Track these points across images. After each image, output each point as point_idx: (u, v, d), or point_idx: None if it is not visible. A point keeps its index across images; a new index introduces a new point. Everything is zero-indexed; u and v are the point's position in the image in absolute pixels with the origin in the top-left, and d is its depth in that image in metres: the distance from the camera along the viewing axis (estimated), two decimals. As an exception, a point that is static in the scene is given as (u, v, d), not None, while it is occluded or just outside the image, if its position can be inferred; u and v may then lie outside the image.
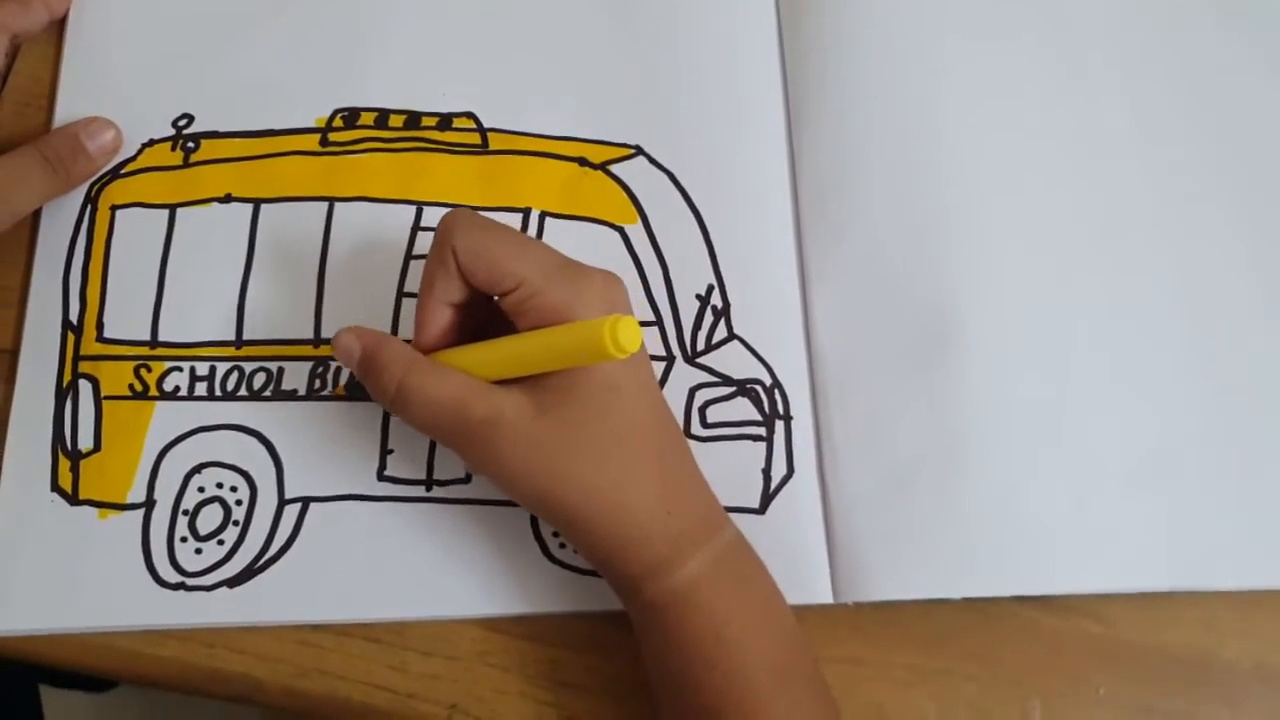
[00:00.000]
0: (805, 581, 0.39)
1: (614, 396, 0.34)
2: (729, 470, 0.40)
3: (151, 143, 0.45)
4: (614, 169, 0.44)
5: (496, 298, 0.35)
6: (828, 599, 0.39)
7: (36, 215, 0.44)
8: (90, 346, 0.42)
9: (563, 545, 0.39)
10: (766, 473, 0.40)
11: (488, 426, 0.34)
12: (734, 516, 0.39)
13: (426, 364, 0.35)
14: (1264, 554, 0.40)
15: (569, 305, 0.34)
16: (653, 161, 0.44)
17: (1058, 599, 0.40)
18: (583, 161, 0.44)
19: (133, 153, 0.45)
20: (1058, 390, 0.41)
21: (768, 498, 0.40)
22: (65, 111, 0.45)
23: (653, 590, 0.34)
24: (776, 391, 0.41)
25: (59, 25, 0.47)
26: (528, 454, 0.34)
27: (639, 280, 0.42)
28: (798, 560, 0.39)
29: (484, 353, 0.35)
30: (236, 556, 0.39)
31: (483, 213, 0.43)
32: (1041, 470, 0.40)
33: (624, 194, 0.44)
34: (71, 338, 0.42)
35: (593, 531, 0.34)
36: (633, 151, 0.44)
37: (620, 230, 0.43)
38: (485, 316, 0.37)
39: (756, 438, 0.41)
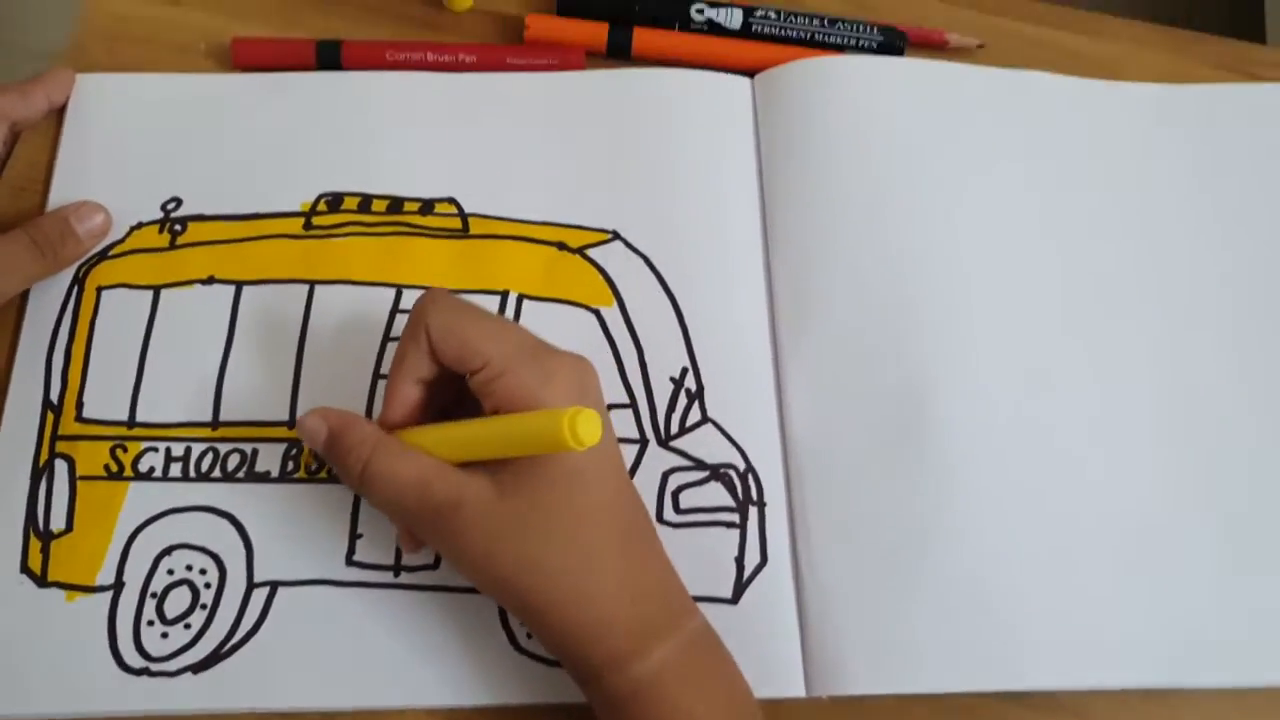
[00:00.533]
0: (778, 674, 0.38)
1: (578, 482, 0.34)
2: (701, 558, 0.40)
3: (140, 225, 0.45)
4: (591, 253, 0.44)
5: (466, 376, 0.35)
6: (800, 692, 0.38)
7: (24, 295, 0.44)
8: (69, 426, 0.42)
9: (530, 635, 0.39)
10: (740, 561, 0.40)
11: (449, 509, 0.33)
12: (706, 606, 0.39)
13: (392, 445, 0.35)
14: (1257, 650, 0.39)
15: (534, 390, 0.34)
16: (629, 246, 0.45)
17: (1039, 695, 0.39)
18: (561, 246, 0.45)
19: (121, 235, 0.45)
20: (1036, 477, 0.41)
21: (741, 587, 0.40)
22: (59, 195, 0.46)
23: (614, 681, 0.33)
24: (750, 476, 0.41)
25: (57, 113, 0.48)
26: (487, 539, 0.33)
27: (614, 362, 0.42)
28: (770, 652, 0.39)
29: (447, 433, 0.35)
30: (203, 641, 0.39)
31: (461, 295, 0.43)
32: (1020, 560, 0.39)
33: (600, 277, 0.44)
34: (51, 417, 0.42)
35: (552, 619, 0.34)
36: (609, 236, 0.45)
37: (596, 313, 0.43)
38: (455, 395, 0.37)
39: (730, 524, 0.40)
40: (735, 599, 0.39)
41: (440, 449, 0.35)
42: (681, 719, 0.33)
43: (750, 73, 0.49)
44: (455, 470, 0.34)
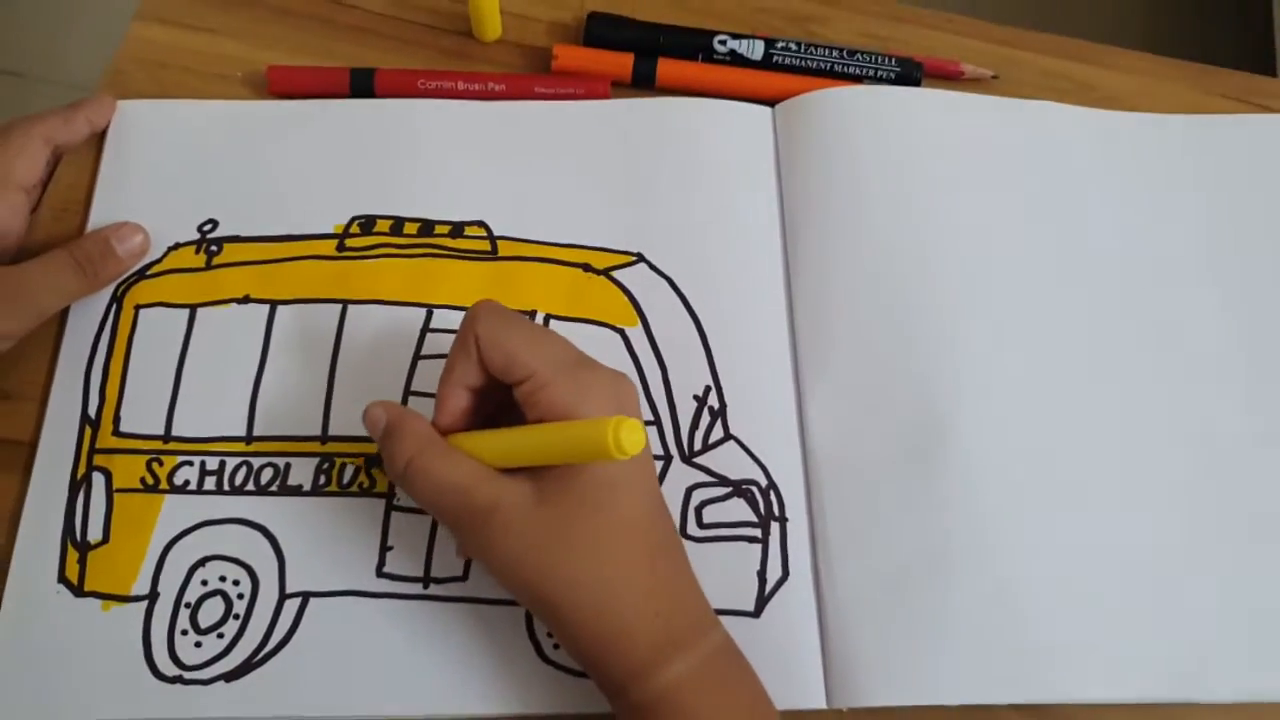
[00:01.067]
0: (799, 686, 0.39)
1: (610, 493, 0.35)
2: (724, 572, 0.40)
3: (177, 246, 0.47)
4: (616, 274, 0.46)
5: (512, 386, 0.36)
6: (821, 704, 0.39)
7: (64, 313, 0.45)
8: (106, 440, 0.43)
9: (556, 646, 0.40)
10: (762, 575, 0.41)
11: (485, 513, 0.34)
12: (728, 620, 0.40)
13: (440, 446, 0.36)
14: (1269, 664, 0.40)
15: (574, 402, 0.35)
16: (653, 268, 0.46)
17: (1055, 707, 0.39)
18: (586, 267, 0.46)
19: (159, 255, 0.46)
20: (1052, 495, 0.41)
21: (763, 601, 0.40)
22: (99, 216, 0.47)
23: (637, 692, 0.34)
24: (772, 493, 0.42)
25: (98, 136, 0.49)
26: (519, 545, 0.34)
27: (639, 381, 0.43)
28: (791, 664, 0.39)
29: (494, 440, 0.36)
30: (235, 650, 0.40)
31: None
32: (1038, 575, 0.40)
33: (625, 298, 0.45)
34: (89, 431, 0.43)
35: (578, 628, 0.34)
36: (634, 258, 0.46)
37: (621, 332, 0.44)
38: (501, 402, 0.38)
39: (752, 539, 0.41)
40: (757, 612, 0.40)
41: (486, 454, 0.36)
42: None
43: (771, 102, 0.50)
44: (496, 475, 0.35)
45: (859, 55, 0.51)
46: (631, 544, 0.35)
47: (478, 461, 0.36)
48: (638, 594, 0.35)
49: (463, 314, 0.37)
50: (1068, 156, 0.49)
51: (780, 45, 0.51)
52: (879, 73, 0.51)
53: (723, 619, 0.39)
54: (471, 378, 0.37)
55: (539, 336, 0.37)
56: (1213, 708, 0.39)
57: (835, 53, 0.51)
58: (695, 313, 0.45)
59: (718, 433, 0.43)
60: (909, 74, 0.51)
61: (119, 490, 0.42)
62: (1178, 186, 0.49)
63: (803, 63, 0.51)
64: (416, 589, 0.41)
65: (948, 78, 0.52)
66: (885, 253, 0.46)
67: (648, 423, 0.43)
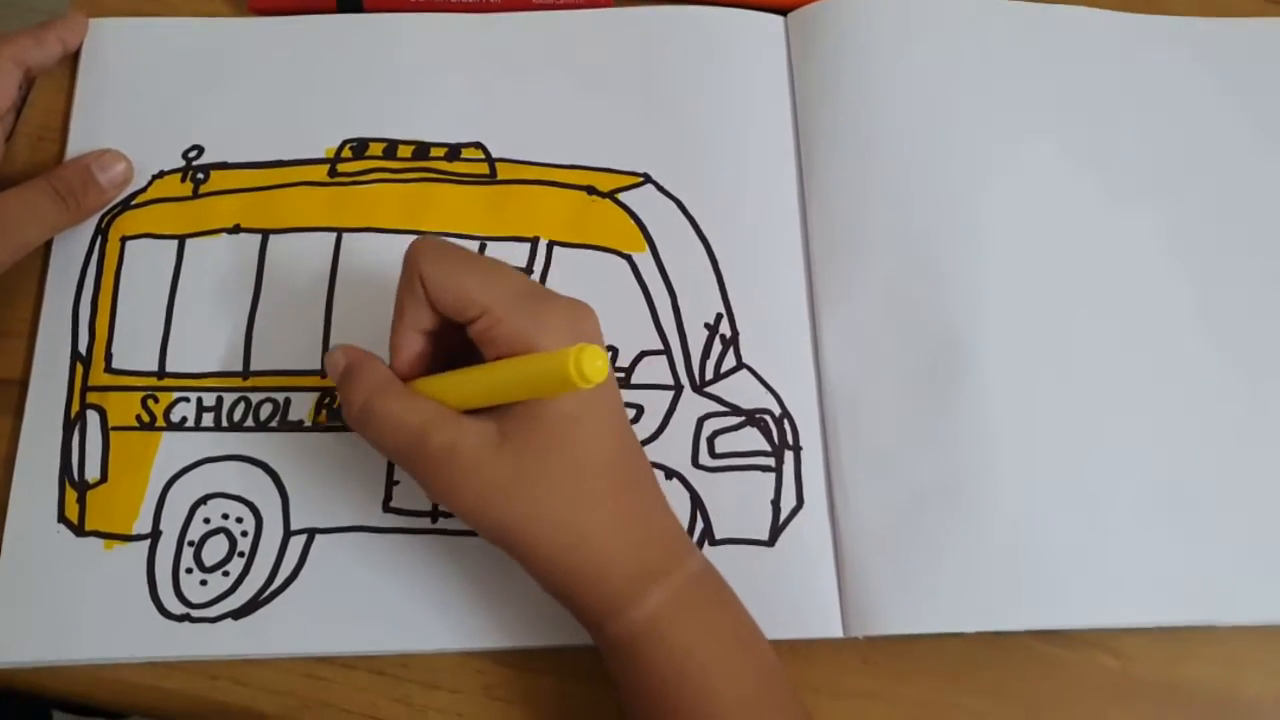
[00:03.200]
0: (815, 615, 0.39)
1: (575, 427, 0.33)
2: (738, 502, 0.40)
3: (161, 174, 0.45)
4: (622, 197, 0.44)
5: (466, 325, 0.35)
6: (838, 633, 0.39)
7: (47, 247, 0.44)
8: (98, 377, 0.42)
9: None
10: (776, 504, 0.40)
11: (444, 455, 0.33)
12: (742, 549, 0.39)
13: (397, 388, 0.35)
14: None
15: (532, 334, 0.33)
16: (661, 189, 0.44)
17: (1073, 633, 0.39)
18: (590, 190, 0.44)
19: (143, 184, 0.45)
20: (1070, 420, 0.41)
21: (777, 530, 0.40)
22: (77, 143, 0.45)
23: (614, 627, 0.34)
24: (786, 422, 0.41)
25: (72, 58, 0.47)
26: (482, 485, 0.33)
27: (647, 308, 0.42)
28: (807, 593, 0.39)
29: (452, 381, 0.35)
30: (242, 588, 0.39)
31: (490, 243, 0.43)
32: (1055, 502, 0.39)
33: (632, 222, 0.43)
34: (80, 368, 0.42)
35: (548, 566, 0.34)
36: (641, 179, 0.44)
37: (628, 258, 0.43)
38: (461, 341, 0.36)
39: (765, 468, 0.40)
40: (772, 541, 0.40)
41: (446, 396, 0.34)
42: (681, 660, 0.33)
43: (783, 10, 0.48)
44: (456, 416, 0.34)
45: (873, -40, 0.48)
46: (598, 478, 0.34)
47: (434, 403, 0.34)
48: (607, 529, 0.34)
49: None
50: (1094, 61, 0.47)
51: (791, -50, 0.48)
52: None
53: (737, 549, 0.39)
54: (423, 321, 0.35)
55: (488, 270, 0.35)
56: (1233, 630, 0.39)
57: (848, -43, 0.48)
58: (705, 237, 0.43)
59: (730, 361, 0.42)
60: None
61: (114, 428, 0.41)
62: (1208, 90, 0.47)
63: (815, -32, 0.48)
64: (424, 523, 0.40)
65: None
66: (905, 173, 0.44)
67: (657, 352, 0.42)
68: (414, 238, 0.42)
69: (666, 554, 0.35)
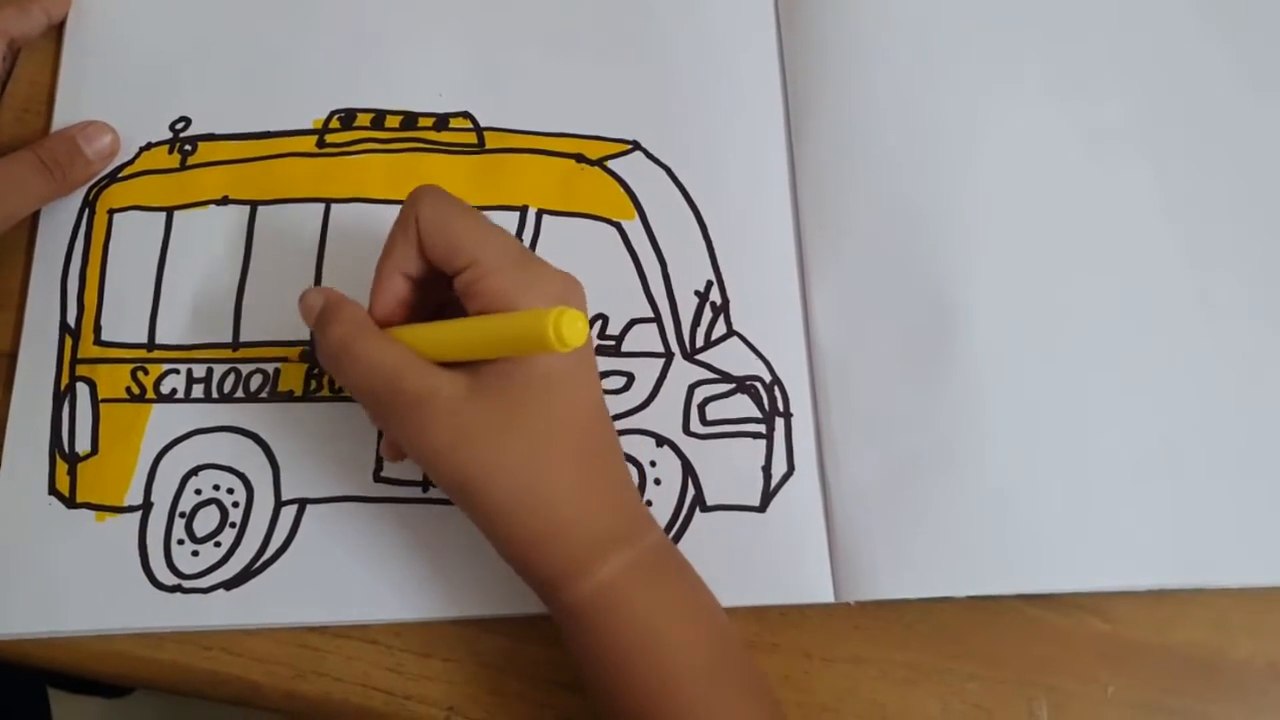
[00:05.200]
0: (807, 580, 0.39)
1: (548, 390, 0.33)
2: (729, 468, 0.40)
3: (149, 146, 0.45)
4: (611, 164, 0.44)
5: (452, 278, 0.34)
6: (829, 598, 0.39)
7: (35, 219, 0.44)
8: (88, 350, 0.42)
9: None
10: (767, 470, 0.40)
11: (417, 402, 0.33)
12: (734, 515, 0.39)
13: (374, 329, 0.35)
14: (1275, 551, 0.39)
15: (517, 293, 0.33)
16: (650, 156, 0.44)
17: (1063, 597, 0.39)
18: (579, 158, 0.44)
19: (130, 156, 0.45)
20: (1061, 384, 0.41)
21: (768, 496, 0.40)
22: (63, 116, 0.45)
23: (569, 593, 0.33)
24: (776, 388, 0.41)
25: (58, 30, 0.47)
26: (450, 436, 0.33)
27: (637, 276, 0.42)
28: (799, 559, 0.39)
29: (429, 331, 0.35)
30: (233, 559, 0.39)
31: (478, 211, 0.43)
32: (1045, 466, 0.39)
33: (621, 189, 0.43)
34: (69, 341, 0.42)
35: (507, 524, 0.33)
36: (629, 146, 0.44)
37: (618, 226, 0.43)
38: (444, 299, 0.36)
39: (756, 435, 0.40)
40: (763, 508, 0.40)
41: (422, 345, 0.34)
42: (637, 629, 0.33)
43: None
44: (432, 366, 0.34)
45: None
46: (566, 443, 0.34)
47: (412, 351, 0.34)
48: (570, 493, 0.33)
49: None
50: (1089, 14, 0.46)
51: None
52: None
53: (728, 515, 0.39)
54: (410, 264, 0.35)
55: (485, 225, 0.35)
56: (1223, 593, 0.39)
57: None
58: (695, 203, 0.43)
59: (720, 329, 0.42)
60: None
61: (104, 400, 0.41)
62: (1205, 41, 0.45)
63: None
64: (415, 493, 0.40)
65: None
66: (894, 138, 0.43)
67: (647, 320, 0.42)
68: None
69: (626, 524, 0.35)
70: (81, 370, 0.41)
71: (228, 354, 0.42)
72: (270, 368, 0.41)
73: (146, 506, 0.40)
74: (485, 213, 0.42)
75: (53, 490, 0.40)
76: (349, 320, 0.35)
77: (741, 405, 0.41)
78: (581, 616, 0.34)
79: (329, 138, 0.44)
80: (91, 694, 0.87)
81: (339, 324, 0.35)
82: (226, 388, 0.41)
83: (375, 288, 0.36)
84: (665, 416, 0.41)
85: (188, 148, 0.45)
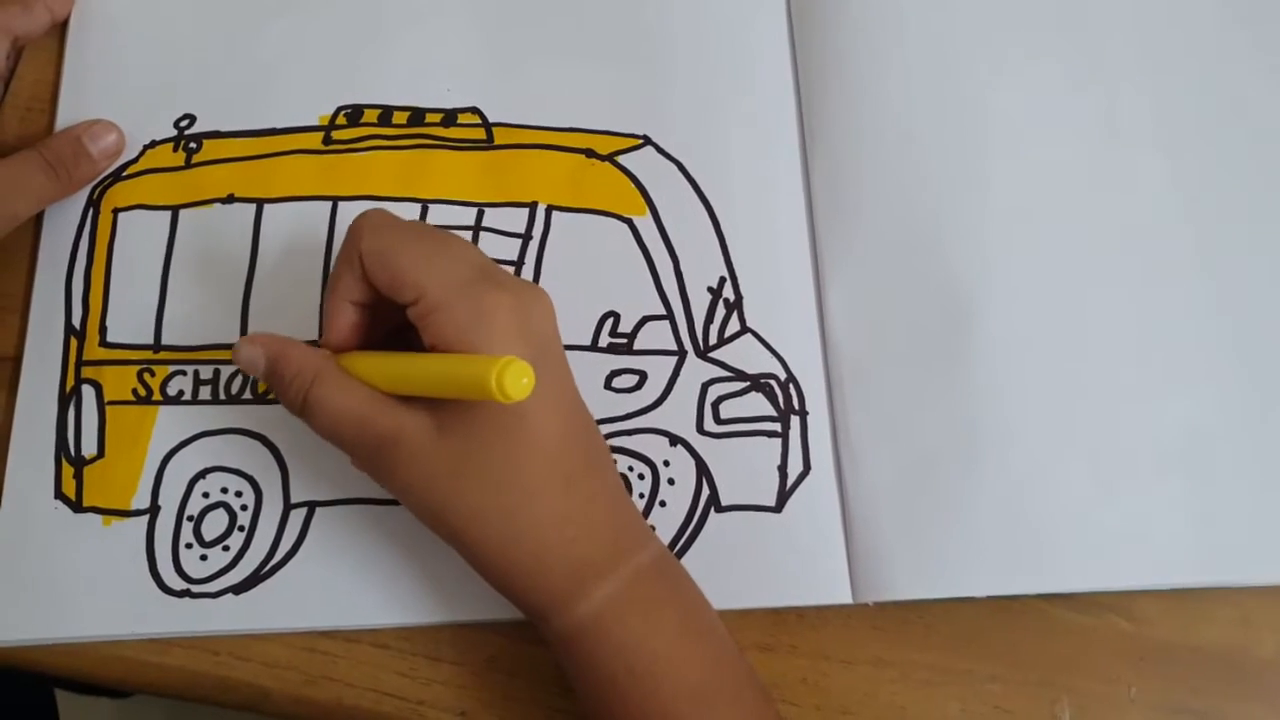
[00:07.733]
0: (824, 581, 0.38)
1: (519, 422, 0.32)
2: (744, 468, 0.39)
3: (154, 144, 0.44)
4: (621, 160, 0.43)
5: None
6: (847, 599, 0.38)
7: (39, 219, 0.43)
8: (93, 351, 0.41)
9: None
10: (783, 470, 0.39)
11: (387, 444, 0.33)
12: (749, 515, 0.39)
13: (334, 374, 0.34)
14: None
15: (470, 326, 0.32)
16: (661, 151, 0.43)
17: (1085, 596, 0.39)
18: (589, 153, 0.43)
19: (135, 154, 0.44)
20: (1081, 380, 0.40)
21: (784, 496, 0.39)
22: (67, 114, 0.45)
23: (559, 622, 0.33)
24: (791, 386, 0.40)
25: (61, 28, 0.46)
26: (423, 475, 0.32)
27: (649, 273, 0.41)
28: (816, 560, 0.38)
29: (385, 365, 0.34)
30: (242, 563, 0.39)
31: (488, 209, 0.42)
32: (1065, 463, 0.39)
33: (632, 185, 0.43)
34: (74, 343, 0.41)
35: (488, 559, 0.33)
36: (640, 142, 0.43)
37: (629, 222, 0.42)
38: (402, 315, 0.35)
39: (771, 434, 0.40)
40: (779, 508, 0.39)
41: (378, 380, 0.34)
42: (628, 656, 0.32)
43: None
44: (396, 404, 0.33)
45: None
46: (537, 471, 0.33)
47: (373, 389, 0.33)
48: (547, 523, 0.33)
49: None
50: (1114, 12, 0.45)
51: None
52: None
53: (744, 515, 0.39)
54: (358, 294, 0.34)
55: (434, 251, 0.34)
56: (1247, 591, 0.38)
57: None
58: (707, 199, 0.42)
59: (734, 326, 0.41)
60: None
61: (110, 403, 0.41)
62: (1225, 29, 0.45)
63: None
64: (426, 495, 0.39)
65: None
66: (909, 132, 0.43)
67: (659, 317, 0.41)
68: (413, 205, 0.42)
69: (615, 546, 0.34)
70: (87, 372, 0.41)
71: (235, 355, 0.41)
72: (278, 368, 0.41)
73: (154, 510, 0.39)
74: (496, 209, 0.42)
75: (59, 494, 0.39)
76: (300, 373, 0.34)
77: (756, 404, 0.40)
78: (570, 644, 0.33)
79: (336, 134, 0.44)
80: (95, 694, 0.87)
81: (296, 377, 0.34)
82: (234, 389, 0.41)
83: (327, 319, 0.35)
84: (678, 415, 0.40)
85: (193, 145, 0.44)
